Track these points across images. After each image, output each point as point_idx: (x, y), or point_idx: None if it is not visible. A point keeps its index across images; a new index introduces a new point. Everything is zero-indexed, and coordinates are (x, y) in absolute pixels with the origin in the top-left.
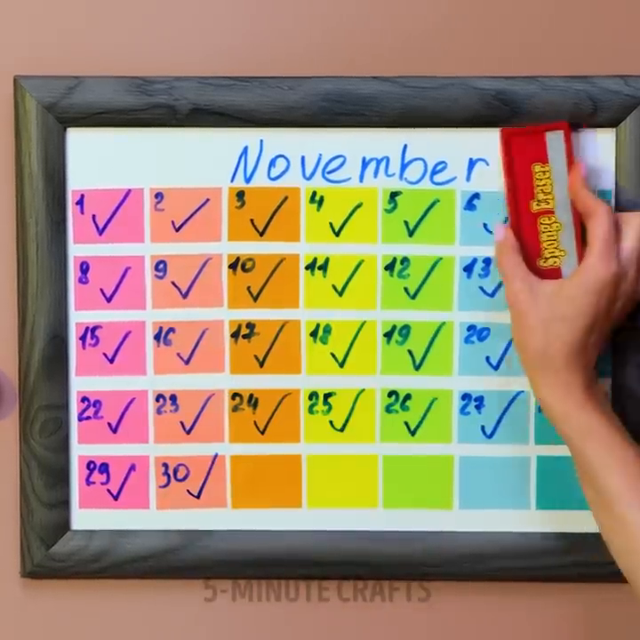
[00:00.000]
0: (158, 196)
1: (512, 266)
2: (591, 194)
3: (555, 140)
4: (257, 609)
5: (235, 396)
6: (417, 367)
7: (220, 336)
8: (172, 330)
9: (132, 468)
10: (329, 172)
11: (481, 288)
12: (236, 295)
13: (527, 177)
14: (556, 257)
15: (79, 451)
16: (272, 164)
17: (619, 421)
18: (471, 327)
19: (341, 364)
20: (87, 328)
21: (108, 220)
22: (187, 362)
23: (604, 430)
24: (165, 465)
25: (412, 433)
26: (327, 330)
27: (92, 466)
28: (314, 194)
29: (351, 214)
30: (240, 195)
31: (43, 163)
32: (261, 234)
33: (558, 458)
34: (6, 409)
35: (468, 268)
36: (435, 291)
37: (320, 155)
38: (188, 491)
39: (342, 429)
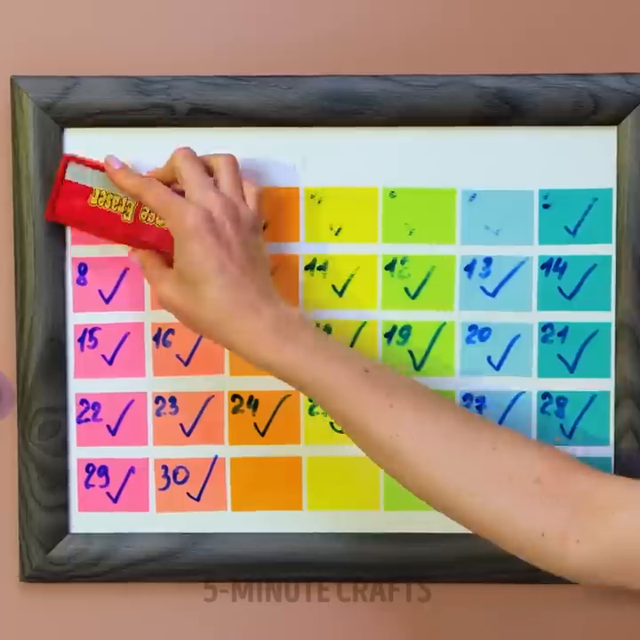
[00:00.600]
0: None
1: (150, 275)
2: (135, 176)
3: (76, 173)
4: (257, 609)
5: (234, 397)
6: (418, 367)
7: None
8: (171, 331)
9: (132, 470)
10: (328, 172)
11: (482, 288)
12: None
13: (98, 212)
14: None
15: (78, 453)
16: (271, 163)
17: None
18: (472, 327)
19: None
20: (85, 330)
21: None
22: (186, 363)
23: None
24: (165, 467)
25: None
26: (327, 330)
27: (91, 468)
28: (313, 193)
29: (351, 214)
30: None
31: (40, 164)
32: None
33: None
34: (4, 411)
35: (469, 268)
36: (435, 290)
37: (319, 154)
38: (187, 493)
39: (342, 431)
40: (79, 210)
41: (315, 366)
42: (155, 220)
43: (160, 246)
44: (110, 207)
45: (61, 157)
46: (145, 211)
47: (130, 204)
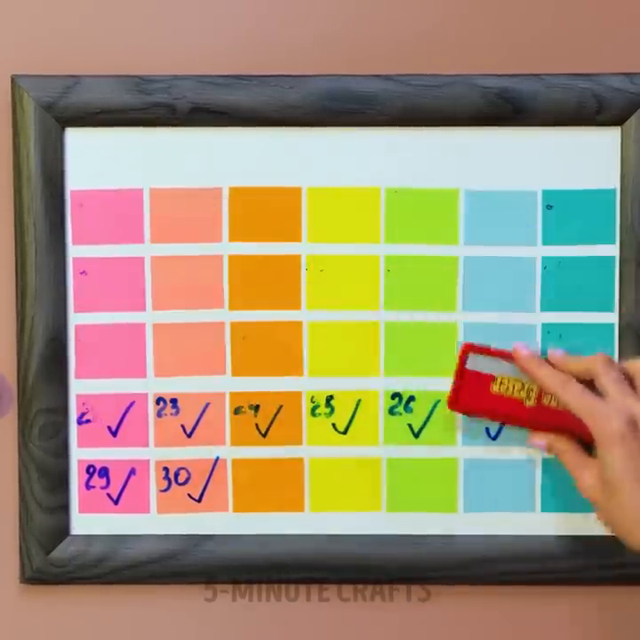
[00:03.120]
0: (158, 196)
1: (572, 463)
2: (545, 367)
3: (476, 362)
4: (257, 609)
5: (236, 398)
6: (420, 367)
7: (220, 338)
8: (173, 331)
9: (133, 471)
10: (330, 172)
11: (485, 288)
12: (237, 296)
13: (501, 399)
14: None
15: (79, 454)
16: (273, 163)
17: None
18: (475, 327)
19: (343, 366)
20: (86, 330)
21: (108, 221)
22: (187, 364)
23: None
24: (166, 469)
25: (416, 435)
26: (329, 331)
27: (91, 470)
28: (315, 193)
29: (353, 214)
30: (240, 195)
31: (41, 163)
32: (261, 234)
33: None
34: (4, 411)
35: (472, 268)
36: (438, 291)
37: (321, 154)
38: (188, 494)
39: (345, 432)
40: (482, 399)
41: None
42: (559, 404)
43: (565, 427)
44: (512, 393)
45: (461, 347)
46: (547, 396)
47: (532, 389)
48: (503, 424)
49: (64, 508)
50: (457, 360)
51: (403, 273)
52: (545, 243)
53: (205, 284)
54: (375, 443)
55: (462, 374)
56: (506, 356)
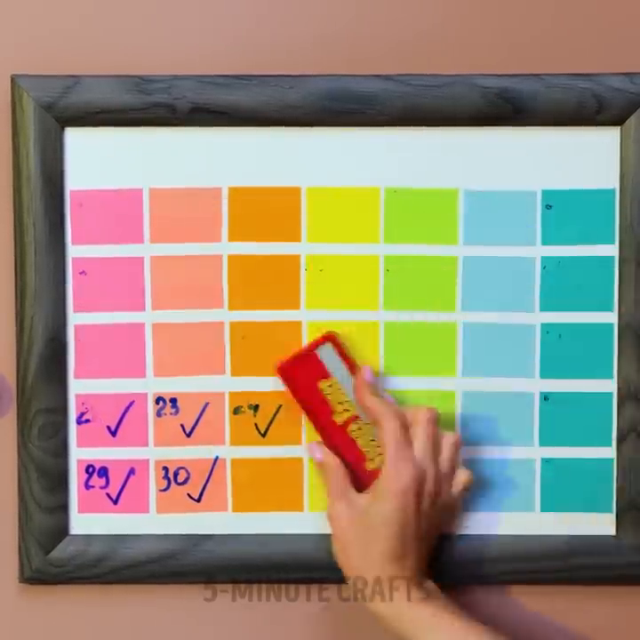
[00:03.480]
0: (158, 196)
1: (335, 485)
2: (376, 398)
3: (327, 353)
4: (257, 609)
5: (235, 398)
6: (415, 368)
7: (220, 338)
8: (172, 331)
9: (132, 471)
10: (330, 172)
11: (484, 288)
12: (237, 296)
13: (318, 395)
14: (380, 455)
15: (78, 454)
16: (272, 163)
17: (455, 613)
18: (475, 327)
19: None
20: (86, 330)
21: (107, 221)
22: (187, 364)
23: (443, 620)
24: (165, 468)
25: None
26: (327, 330)
27: (91, 470)
28: (314, 193)
29: (353, 214)
30: (240, 195)
31: (41, 163)
32: (261, 234)
33: (563, 460)
34: (4, 412)
35: (472, 268)
36: (437, 291)
37: (321, 154)
38: (188, 494)
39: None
40: (306, 384)
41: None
42: (358, 438)
43: (348, 463)
44: (331, 401)
45: (326, 333)
46: (357, 424)
47: (348, 410)
48: (307, 418)
49: (63, 507)
50: (314, 339)
51: (402, 273)
52: (544, 243)
53: (205, 284)
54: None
55: (307, 353)
56: (352, 367)
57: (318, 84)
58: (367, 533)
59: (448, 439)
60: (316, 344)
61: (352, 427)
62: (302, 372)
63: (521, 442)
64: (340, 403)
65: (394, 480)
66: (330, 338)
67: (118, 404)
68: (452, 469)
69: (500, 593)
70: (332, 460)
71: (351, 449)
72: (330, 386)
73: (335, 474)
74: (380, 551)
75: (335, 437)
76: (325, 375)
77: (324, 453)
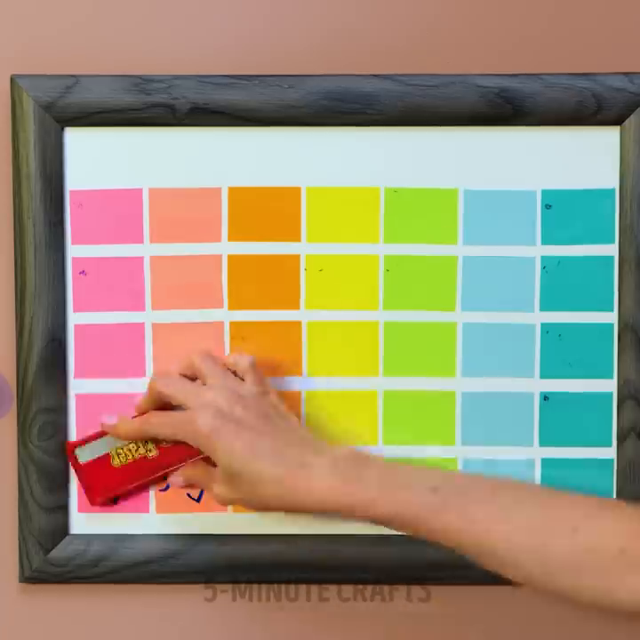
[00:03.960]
0: (157, 196)
1: (202, 477)
2: (128, 420)
3: (83, 451)
4: (257, 609)
5: None
6: (418, 368)
7: (220, 337)
8: (172, 331)
9: None
10: (329, 172)
11: (484, 288)
12: (237, 296)
13: (131, 466)
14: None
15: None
16: (272, 163)
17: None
18: (474, 327)
19: (343, 366)
20: (86, 330)
21: (107, 221)
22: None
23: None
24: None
25: (415, 434)
26: (327, 330)
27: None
28: (314, 193)
29: (352, 214)
30: (240, 195)
31: (40, 163)
32: (261, 234)
33: (563, 460)
34: (4, 412)
35: (472, 268)
36: (437, 291)
37: (321, 154)
38: (188, 494)
39: (344, 432)
40: (112, 479)
41: (385, 504)
42: (140, 452)
43: (191, 457)
44: (134, 456)
45: (66, 448)
46: (130, 450)
47: (147, 442)
48: (150, 484)
49: (63, 507)
50: (70, 462)
51: (402, 273)
52: (544, 242)
53: (204, 284)
54: (374, 442)
55: (81, 471)
56: (103, 433)
57: (318, 83)
58: (242, 478)
59: (243, 364)
60: (74, 460)
61: (163, 443)
62: (100, 481)
63: (521, 442)
64: (137, 450)
65: (194, 433)
66: (70, 447)
67: (118, 404)
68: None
69: (499, 593)
70: (183, 473)
71: (178, 450)
72: (118, 454)
73: (192, 478)
74: (265, 475)
75: (171, 459)
76: (107, 458)
77: (180, 477)
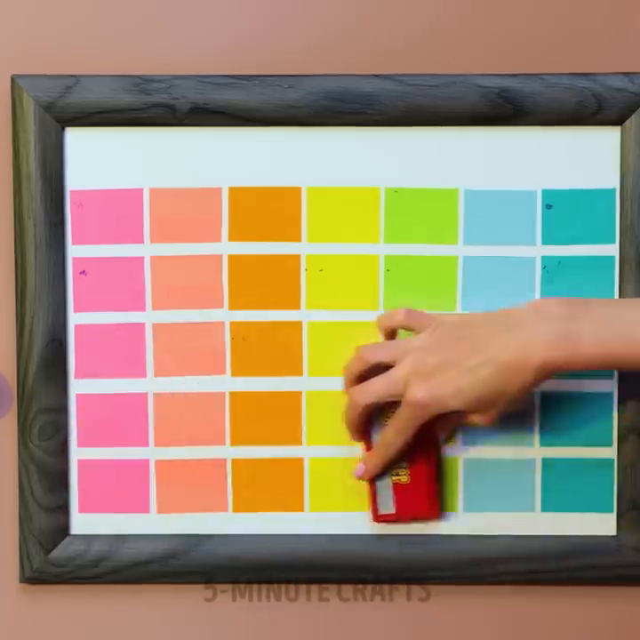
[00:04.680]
0: (158, 196)
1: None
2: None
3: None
4: (257, 609)
5: (235, 398)
6: None
7: (220, 337)
8: (172, 331)
9: (132, 471)
10: (330, 172)
11: (484, 288)
12: (237, 296)
13: None
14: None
15: (78, 454)
16: (272, 163)
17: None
18: None
19: (343, 366)
20: (86, 330)
21: (107, 221)
22: (187, 364)
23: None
24: (165, 468)
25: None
26: (327, 330)
27: (91, 469)
28: (315, 193)
29: (353, 214)
30: (240, 195)
31: (41, 163)
32: (261, 234)
33: (563, 460)
34: (5, 412)
35: (472, 268)
36: (437, 291)
37: (321, 154)
38: (188, 494)
39: (345, 432)
40: (421, 491)
41: (602, 354)
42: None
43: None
44: (407, 470)
45: (376, 519)
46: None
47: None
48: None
49: (64, 507)
50: (386, 521)
51: (402, 273)
52: (544, 242)
53: (205, 284)
54: None
55: (399, 516)
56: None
57: (318, 83)
58: (500, 394)
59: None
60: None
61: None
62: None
63: (521, 442)
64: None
65: (412, 400)
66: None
67: (119, 404)
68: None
69: (499, 593)
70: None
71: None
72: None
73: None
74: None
75: (421, 463)
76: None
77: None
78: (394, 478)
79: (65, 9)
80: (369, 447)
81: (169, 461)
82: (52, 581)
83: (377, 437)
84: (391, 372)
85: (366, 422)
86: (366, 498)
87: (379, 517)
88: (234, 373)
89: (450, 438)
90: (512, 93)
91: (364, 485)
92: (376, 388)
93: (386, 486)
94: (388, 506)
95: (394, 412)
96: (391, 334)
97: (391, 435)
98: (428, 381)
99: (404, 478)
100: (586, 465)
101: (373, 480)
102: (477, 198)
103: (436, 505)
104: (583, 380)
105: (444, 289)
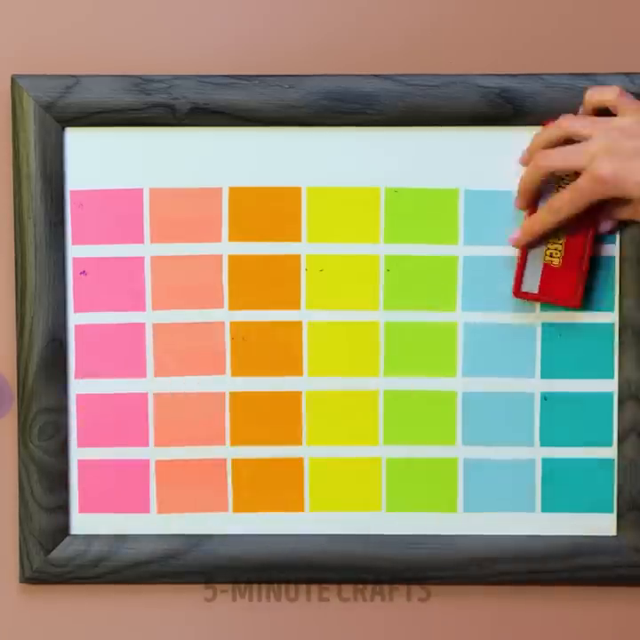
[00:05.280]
0: (158, 196)
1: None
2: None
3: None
4: (257, 609)
5: (235, 398)
6: (418, 368)
7: (220, 337)
8: (172, 331)
9: (132, 471)
10: (330, 172)
11: (484, 288)
12: (237, 296)
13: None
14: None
15: (78, 454)
16: (273, 163)
17: None
18: (475, 327)
19: (343, 366)
20: (86, 330)
21: (107, 221)
22: (187, 364)
23: None
24: (166, 468)
25: (416, 434)
26: (329, 331)
27: (91, 469)
28: (315, 193)
29: (353, 214)
30: (240, 195)
31: (41, 163)
32: (261, 234)
33: (564, 460)
34: (5, 412)
35: (472, 268)
36: (437, 291)
37: (321, 154)
38: (188, 494)
39: (345, 432)
40: (569, 277)
41: None
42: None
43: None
44: (561, 249)
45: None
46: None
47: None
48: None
49: (64, 507)
50: (529, 299)
51: (402, 273)
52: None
53: (205, 284)
54: (375, 442)
55: (543, 295)
56: (522, 260)
57: (318, 83)
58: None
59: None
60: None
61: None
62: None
63: (521, 442)
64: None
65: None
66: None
67: (119, 404)
68: None
69: (500, 593)
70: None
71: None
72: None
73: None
74: None
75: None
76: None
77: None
78: (546, 259)
79: (65, 9)
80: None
81: (169, 461)
82: (51, 581)
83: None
84: (583, 144)
85: (538, 190)
86: (514, 272)
87: (520, 293)
88: (234, 373)
89: (609, 232)
90: (512, 93)
91: (365, 485)
92: (563, 155)
93: (536, 264)
94: (532, 284)
95: (564, 187)
96: (593, 111)
97: (561, 202)
98: (616, 161)
99: (556, 261)
100: (586, 465)
101: (524, 254)
102: (477, 198)
103: (580, 294)
104: (583, 381)
105: (444, 289)
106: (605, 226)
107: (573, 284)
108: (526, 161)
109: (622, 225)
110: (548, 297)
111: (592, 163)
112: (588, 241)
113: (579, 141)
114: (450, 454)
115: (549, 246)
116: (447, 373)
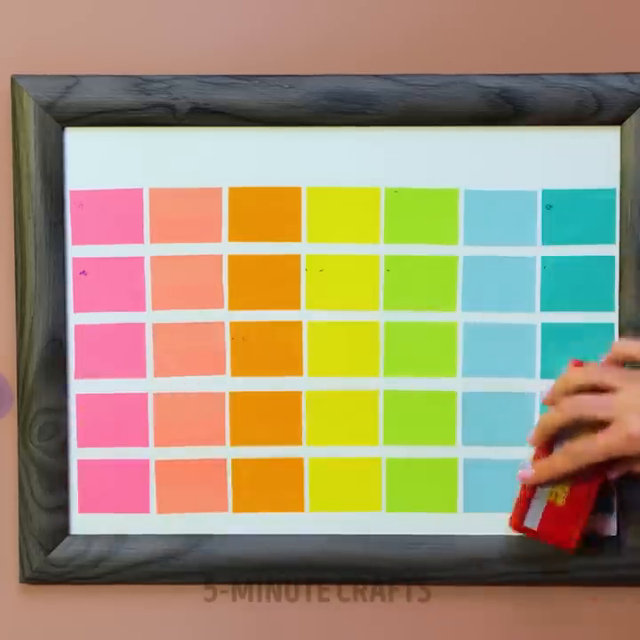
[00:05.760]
0: (158, 196)
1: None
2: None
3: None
4: (257, 609)
5: (235, 398)
6: (418, 368)
7: (220, 337)
8: (172, 331)
9: (132, 471)
10: (330, 172)
11: (484, 288)
12: (237, 296)
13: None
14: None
15: (78, 454)
16: (272, 163)
17: None
18: (475, 327)
19: (343, 366)
20: (86, 330)
21: (107, 221)
22: (187, 364)
23: None
24: (165, 468)
25: (416, 434)
26: (329, 331)
27: (91, 469)
28: (315, 193)
29: (353, 214)
30: (240, 195)
31: (41, 163)
32: (261, 234)
33: None
34: (4, 412)
35: (472, 268)
36: (437, 291)
37: (321, 154)
38: (188, 494)
39: (345, 432)
40: (570, 517)
41: None
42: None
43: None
44: (565, 491)
45: (515, 529)
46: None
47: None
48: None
49: (64, 507)
50: (528, 535)
51: (402, 273)
52: (545, 242)
53: (205, 284)
54: (375, 443)
55: (541, 534)
56: (526, 495)
57: (318, 83)
58: None
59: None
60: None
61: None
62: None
63: (521, 441)
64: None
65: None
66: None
67: (118, 404)
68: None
69: (500, 593)
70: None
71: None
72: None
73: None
74: None
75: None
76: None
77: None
78: (550, 497)
79: (65, 9)
80: (539, 456)
81: (169, 461)
82: (52, 581)
83: (558, 450)
84: (611, 396)
85: (556, 434)
86: (513, 503)
87: (520, 527)
88: (234, 373)
89: (617, 478)
90: (512, 93)
91: (365, 485)
92: (590, 405)
93: (541, 501)
94: (533, 521)
95: (579, 434)
96: (620, 363)
97: (583, 448)
98: None
99: (560, 500)
100: None
101: (532, 490)
102: (477, 198)
103: (577, 538)
104: None
105: (444, 289)
106: (613, 473)
107: (573, 527)
108: (550, 402)
109: (621, 227)
110: (546, 537)
111: (622, 417)
112: (594, 486)
113: (604, 390)
114: (450, 454)
115: (555, 485)
116: (447, 373)
